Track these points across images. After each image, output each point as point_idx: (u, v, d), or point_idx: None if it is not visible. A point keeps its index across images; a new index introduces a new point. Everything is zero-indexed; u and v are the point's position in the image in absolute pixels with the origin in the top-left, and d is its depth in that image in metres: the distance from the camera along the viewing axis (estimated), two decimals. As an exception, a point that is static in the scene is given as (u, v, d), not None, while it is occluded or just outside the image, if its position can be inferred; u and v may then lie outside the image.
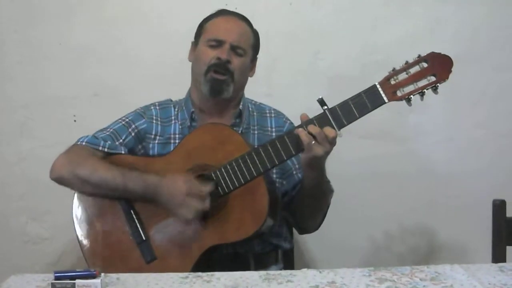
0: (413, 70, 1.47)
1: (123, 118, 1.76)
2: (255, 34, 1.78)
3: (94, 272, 1.19)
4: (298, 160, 1.65)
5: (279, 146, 1.51)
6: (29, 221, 2.29)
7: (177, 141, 1.71)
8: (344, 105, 1.48)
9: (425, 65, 1.46)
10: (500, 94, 2.24)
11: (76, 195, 1.64)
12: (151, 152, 1.73)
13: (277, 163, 1.52)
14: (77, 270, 1.20)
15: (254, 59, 1.79)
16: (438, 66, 1.46)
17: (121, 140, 1.70)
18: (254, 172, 1.52)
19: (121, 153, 1.68)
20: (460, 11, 2.22)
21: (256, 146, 1.56)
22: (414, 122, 2.23)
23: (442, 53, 1.47)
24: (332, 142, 1.47)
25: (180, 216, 1.54)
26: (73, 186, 1.64)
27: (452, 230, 2.24)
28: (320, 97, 1.49)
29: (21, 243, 2.29)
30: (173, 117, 1.76)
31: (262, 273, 1.31)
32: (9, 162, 2.28)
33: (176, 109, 1.78)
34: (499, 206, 1.61)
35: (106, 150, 1.66)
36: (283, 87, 2.23)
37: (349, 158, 2.15)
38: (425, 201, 2.25)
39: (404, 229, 2.25)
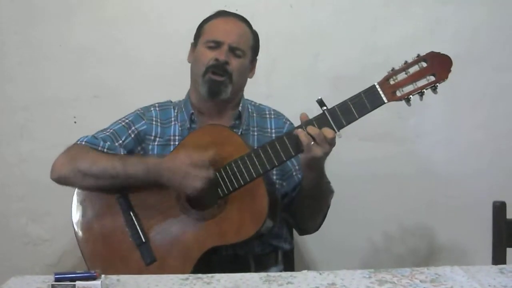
0: (412, 70, 1.46)
1: (123, 119, 1.76)
2: (255, 35, 1.77)
3: (95, 274, 1.19)
4: (298, 161, 1.64)
5: (278, 147, 1.51)
6: (29, 223, 2.29)
7: (176, 142, 1.71)
8: (343, 105, 1.48)
9: (424, 64, 1.46)
10: (500, 95, 2.24)
11: (75, 196, 1.64)
12: (150, 154, 1.72)
13: (276, 164, 1.52)
14: (77, 271, 1.20)
15: (253, 60, 1.78)
16: (438, 65, 1.45)
17: (120, 141, 1.70)
18: (253, 173, 1.52)
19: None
20: (460, 11, 2.22)
21: (255, 147, 1.56)
22: (413, 123, 2.23)
23: (441, 52, 1.46)
24: (331, 143, 1.47)
25: (187, 188, 1.52)
26: (74, 182, 1.64)
27: (452, 231, 2.24)
28: (319, 97, 1.49)
29: (21, 244, 2.29)
30: (173, 119, 1.76)
31: (262, 274, 1.31)
32: (9, 163, 2.28)
33: (175, 111, 1.78)
34: (499, 208, 1.60)
35: (105, 150, 1.66)
36: (283, 88, 2.22)
37: (349, 159, 2.14)
38: (425, 202, 2.24)
39: (404, 230, 2.25)
